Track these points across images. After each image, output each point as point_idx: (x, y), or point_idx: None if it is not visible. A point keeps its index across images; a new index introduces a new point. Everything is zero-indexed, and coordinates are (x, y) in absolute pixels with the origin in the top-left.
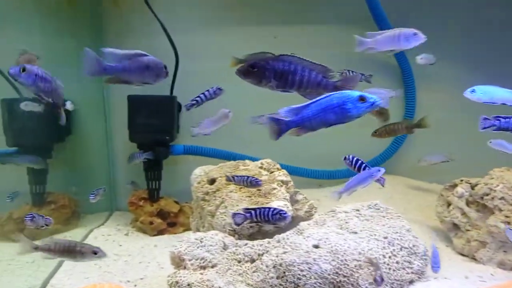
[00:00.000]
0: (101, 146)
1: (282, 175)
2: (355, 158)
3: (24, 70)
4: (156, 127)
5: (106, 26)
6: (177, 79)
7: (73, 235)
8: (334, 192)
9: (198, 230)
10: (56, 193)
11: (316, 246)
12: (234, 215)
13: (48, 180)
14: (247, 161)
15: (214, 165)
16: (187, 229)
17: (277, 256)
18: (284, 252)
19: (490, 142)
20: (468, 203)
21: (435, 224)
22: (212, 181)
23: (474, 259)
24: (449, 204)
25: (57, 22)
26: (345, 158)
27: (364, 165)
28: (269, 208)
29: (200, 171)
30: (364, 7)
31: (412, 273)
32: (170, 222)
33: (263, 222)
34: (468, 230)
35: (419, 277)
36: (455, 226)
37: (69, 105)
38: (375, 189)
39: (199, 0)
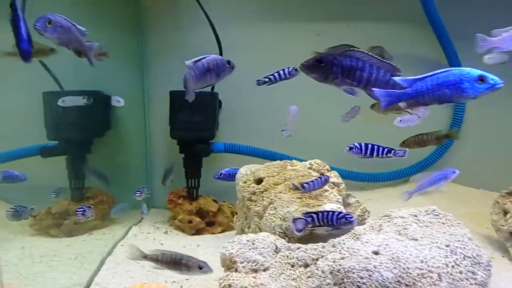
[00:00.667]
0: (139, 141)
1: (334, 176)
2: (363, 144)
3: (50, 22)
4: (198, 124)
5: (147, 18)
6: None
7: (112, 231)
8: (405, 192)
9: (242, 231)
10: (95, 189)
11: (376, 253)
12: (295, 220)
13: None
14: (294, 161)
15: (257, 164)
16: (225, 229)
17: (334, 262)
18: (342, 258)
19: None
20: None
21: (488, 232)
22: (259, 181)
23: None
24: (506, 212)
25: (99, 14)
26: (351, 148)
27: (376, 146)
28: (333, 211)
29: (246, 170)
30: (414, 2)
31: (476, 284)
32: (208, 221)
33: (328, 227)
34: None
35: None
36: None
37: (115, 101)
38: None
39: None
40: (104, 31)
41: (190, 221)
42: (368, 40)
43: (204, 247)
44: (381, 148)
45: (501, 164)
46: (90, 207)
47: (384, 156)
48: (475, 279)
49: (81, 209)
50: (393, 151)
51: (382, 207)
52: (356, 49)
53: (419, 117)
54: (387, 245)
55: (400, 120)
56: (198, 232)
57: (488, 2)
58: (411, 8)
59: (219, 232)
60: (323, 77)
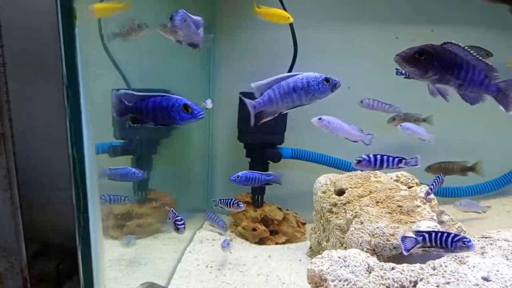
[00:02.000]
0: (203, 144)
1: (425, 191)
2: (371, 155)
3: (185, 20)
4: (267, 127)
5: (219, 16)
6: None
7: (177, 236)
8: None
9: (319, 244)
10: (158, 191)
11: (486, 279)
12: (404, 238)
13: (151, 176)
14: (377, 172)
15: (313, 174)
16: (290, 239)
17: (437, 286)
18: (447, 283)
19: None
20: None
21: None
22: (340, 192)
23: None
24: None
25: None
26: (359, 162)
27: (386, 156)
28: (448, 233)
29: (326, 180)
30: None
31: None
32: (272, 230)
33: (439, 249)
34: None
35: None
36: None
37: (209, 104)
38: (503, 212)
39: None
40: None
41: (254, 229)
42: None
43: (276, 258)
44: (391, 158)
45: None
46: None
47: (395, 166)
48: None
49: (182, 222)
50: (404, 161)
51: (464, 225)
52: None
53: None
54: (497, 271)
55: (401, 126)
56: (261, 241)
57: None
58: (503, 12)
59: (283, 243)
60: (422, 72)
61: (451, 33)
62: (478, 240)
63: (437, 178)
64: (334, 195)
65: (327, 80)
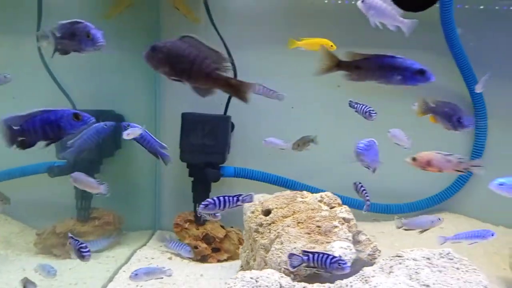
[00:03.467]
0: (149, 162)
1: (344, 211)
2: (215, 198)
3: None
4: (208, 147)
5: (164, 37)
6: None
7: (116, 255)
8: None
9: (248, 263)
10: (101, 209)
11: None
12: (291, 256)
13: (94, 195)
14: (305, 192)
15: (267, 193)
16: (232, 256)
17: None
18: None
19: None
20: None
21: (505, 274)
22: (267, 212)
23: None
24: None
25: (116, 33)
26: (206, 206)
27: (228, 197)
28: (328, 254)
29: (255, 200)
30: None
31: None
32: (214, 248)
33: (319, 268)
34: None
35: None
36: None
37: (125, 135)
38: (436, 229)
39: (260, 19)
40: (120, 50)
41: (196, 247)
42: None
43: (208, 277)
44: (231, 197)
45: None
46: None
47: (234, 205)
48: None
49: (87, 250)
50: (240, 198)
51: (395, 242)
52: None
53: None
54: None
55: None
56: (203, 258)
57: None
58: (431, 36)
59: (225, 260)
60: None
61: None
62: (391, 259)
63: (360, 188)
64: (261, 215)
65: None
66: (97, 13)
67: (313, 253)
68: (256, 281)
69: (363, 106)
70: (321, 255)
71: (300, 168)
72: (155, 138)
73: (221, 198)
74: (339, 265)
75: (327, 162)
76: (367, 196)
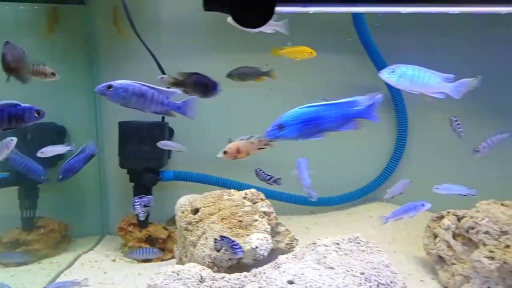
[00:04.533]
0: (93, 170)
1: (265, 206)
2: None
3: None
4: (146, 153)
5: (100, 50)
6: None
7: (60, 260)
8: (381, 216)
9: (181, 260)
10: (46, 218)
11: (291, 282)
12: (215, 241)
13: (39, 204)
14: (232, 190)
15: (201, 194)
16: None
17: None
18: (259, 287)
19: (437, 188)
20: (454, 236)
21: (423, 255)
22: (195, 211)
23: None
24: (435, 236)
25: (48, 46)
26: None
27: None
28: (233, 240)
29: (185, 200)
30: (355, 35)
31: None
32: (158, 248)
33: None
34: (454, 264)
35: None
36: (441, 259)
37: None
38: (365, 217)
39: (192, 29)
40: (57, 62)
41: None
42: (318, 69)
43: (146, 275)
44: None
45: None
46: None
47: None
48: None
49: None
50: None
51: (326, 231)
52: None
53: None
54: (302, 274)
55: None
56: (148, 259)
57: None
58: (348, 37)
59: (169, 259)
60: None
61: (317, 59)
62: (306, 247)
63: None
64: (190, 214)
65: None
66: (35, 32)
67: (224, 237)
68: (178, 274)
69: None
70: (228, 240)
71: (241, 169)
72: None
73: None
74: (233, 249)
75: (264, 161)
76: (269, 178)
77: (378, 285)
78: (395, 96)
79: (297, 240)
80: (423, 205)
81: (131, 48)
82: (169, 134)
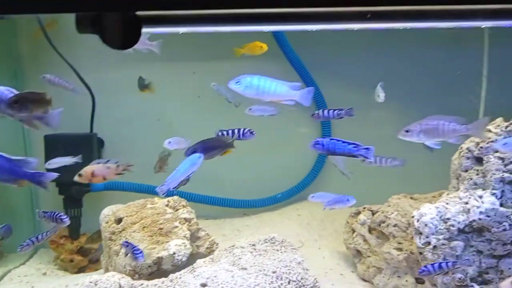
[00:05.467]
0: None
1: (186, 212)
2: None
3: None
4: (73, 166)
5: (27, 63)
6: (100, 116)
7: None
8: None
9: (107, 270)
10: None
11: (204, 285)
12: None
13: None
14: (155, 198)
15: (119, 204)
16: None
17: None
18: None
19: (312, 196)
20: (370, 230)
21: (343, 249)
22: (119, 221)
23: (372, 284)
24: (353, 231)
25: None
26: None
27: None
28: (132, 245)
29: (109, 211)
30: (274, 44)
31: None
32: (94, 259)
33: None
34: (369, 257)
35: None
36: (359, 253)
37: None
38: (295, 216)
39: None
40: None
41: (71, 260)
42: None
43: (73, 287)
44: None
45: (371, 181)
46: None
47: None
48: None
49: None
50: None
51: (256, 232)
52: None
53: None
54: (215, 276)
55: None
56: (81, 270)
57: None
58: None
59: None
60: None
61: (240, 67)
62: (225, 250)
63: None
64: (114, 224)
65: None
66: None
67: (128, 243)
68: (96, 284)
69: None
70: (131, 246)
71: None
72: None
73: None
74: (134, 255)
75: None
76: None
77: (289, 282)
78: (316, 98)
79: (217, 244)
80: (348, 200)
81: (54, 60)
82: (99, 145)
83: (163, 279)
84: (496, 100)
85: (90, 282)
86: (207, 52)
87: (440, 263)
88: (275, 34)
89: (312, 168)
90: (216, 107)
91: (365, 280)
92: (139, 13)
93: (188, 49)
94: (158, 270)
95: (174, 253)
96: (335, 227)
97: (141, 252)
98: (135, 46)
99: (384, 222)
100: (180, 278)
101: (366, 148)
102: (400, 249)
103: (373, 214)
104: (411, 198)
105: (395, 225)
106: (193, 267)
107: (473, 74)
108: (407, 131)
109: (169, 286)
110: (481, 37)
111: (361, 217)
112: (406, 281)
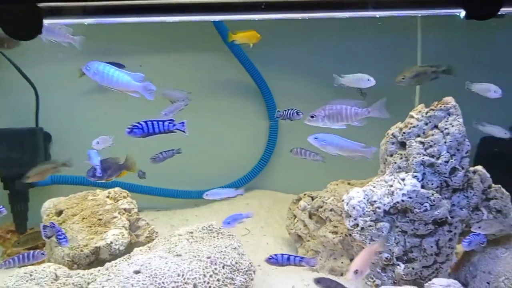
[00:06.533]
0: None
1: (126, 203)
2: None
3: None
4: (17, 160)
5: None
6: (45, 110)
7: None
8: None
9: (49, 261)
10: None
11: (137, 272)
12: (44, 227)
13: None
14: (97, 191)
15: (61, 197)
16: None
17: (100, 284)
18: (107, 280)
19: (206, 194)
20: (310, 216)
21: (287, 235)
22: (59, 213)
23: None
24: (295, 217)
25: None
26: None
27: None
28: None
29: (50, 204)
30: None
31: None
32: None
33: None
34: (308, 241)
35: None
36: (299, 237)
37: None
38: (243, 205)
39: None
40: None
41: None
42: (189, 68)
43: None
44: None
45: (313, 171)
46: None
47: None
48: (233, 284)
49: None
50: None
51: (204, 222)
52: None
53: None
54: (149, 263)
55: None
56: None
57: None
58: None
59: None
60: None
61: (185, 59)
62: (164, 238)
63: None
64: (54, 217)
65: None
66: None
67: (54, 225)
68: (31, 275)
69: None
70: (57, 229)
71: None
72: None
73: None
74: (58, 239)
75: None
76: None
77: (223, 267)
78: (262, 88)
79: (156, 232)
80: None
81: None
82: (45, 139)
83: (99, 268)
84: (430, 88)
85: (25, 273)
86: (153, 45)
87: (289, 255)
88: (216, 24)
89: (260, 158)
90: (163, 100)
91: None
92: (40, 4)
93: (135, 42)
94: (97, 259)
95: (111, 243)
96: (281, 214)
97: (65, 237)
98: (56, 39)
99: (321, 207)
100: (116, 266)
101: (181, 123)
102: (335, 232)
103: (312, 199)
104: (348, 183)
105: (331, 210)
106: (129, 255)
107: (409, 63)
108: (312, 117)
109: (105, 274)
110: (414, 26)
111: (302, 203)
112: (342, 262)
